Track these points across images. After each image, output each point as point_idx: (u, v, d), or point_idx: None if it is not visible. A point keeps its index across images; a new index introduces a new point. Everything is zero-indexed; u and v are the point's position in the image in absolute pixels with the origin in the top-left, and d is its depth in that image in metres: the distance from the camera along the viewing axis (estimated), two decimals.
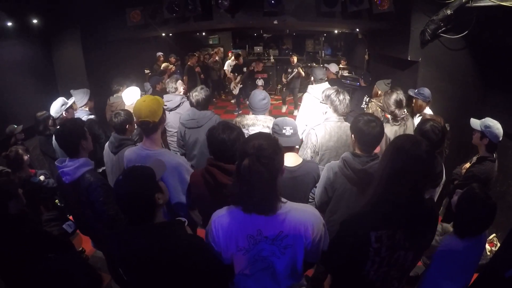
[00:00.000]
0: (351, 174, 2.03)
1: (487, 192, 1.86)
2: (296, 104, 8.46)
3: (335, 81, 5.95)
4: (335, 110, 2.77)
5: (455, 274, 1.82)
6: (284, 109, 9.01)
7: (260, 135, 1.42)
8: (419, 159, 1.28)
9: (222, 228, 1.40)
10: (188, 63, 8.60)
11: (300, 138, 2.85)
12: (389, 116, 3.12)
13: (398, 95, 3.04)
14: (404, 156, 1.29)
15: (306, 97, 3.93)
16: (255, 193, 1.30)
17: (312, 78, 4.28)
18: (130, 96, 4.07)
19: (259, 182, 1.28)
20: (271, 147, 1.32)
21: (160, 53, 7.94)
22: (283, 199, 1.40)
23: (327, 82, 3.88)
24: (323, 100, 2.90)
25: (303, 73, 8.24)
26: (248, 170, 1.27)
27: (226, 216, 1.41)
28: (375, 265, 1.38)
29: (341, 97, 2.75)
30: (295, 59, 8.48)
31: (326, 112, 2.87)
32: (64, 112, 3.64)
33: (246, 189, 1.30)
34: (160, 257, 1.36)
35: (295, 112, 8.46)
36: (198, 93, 3.21)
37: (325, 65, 7.24)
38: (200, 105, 3.20)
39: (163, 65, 7.27)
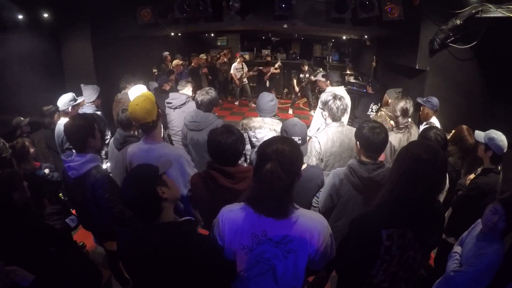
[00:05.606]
0: (357, 181, 2.03)
1: None
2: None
3: None
4: (333, 118, 2.76)
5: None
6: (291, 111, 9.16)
7: (282, 139, 1.42)
8: (436, 167, 1.30)
9: (229, 222, 1.41)
10: (192, 64, 8.43)
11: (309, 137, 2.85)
12: (392, 123, 3.11)
13: (406, 103, 3.02)
14: (421, 164, 1.30)
15: None
16: (272, 196, 1.31)
17: (328, 82, 4.41)
18: (136, 95, 4.06)
19: (278, 187, 1.28)
20: (292, 152, 1.33)
21: (166, 53, 7.92)
22: (295, 205, 1.40)
23: (343, 86, 3.88)
24: (321, 106, 2.87)
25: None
26: (270, 174, 1.27)
27: (235, 211, 1.42)
28: (385, 265, 1.38)
29: (338, 103, 2.75)
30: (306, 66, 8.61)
31: (326, 119, 2.85)
32: (70, 108, 3.66)
33: (264, 191, 1.31)
34: (167, 255, 1.36)
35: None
36: (203, 95, 3.17)
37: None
38: (203, 106, 3.17)
39: (174, 62, 7.24)
